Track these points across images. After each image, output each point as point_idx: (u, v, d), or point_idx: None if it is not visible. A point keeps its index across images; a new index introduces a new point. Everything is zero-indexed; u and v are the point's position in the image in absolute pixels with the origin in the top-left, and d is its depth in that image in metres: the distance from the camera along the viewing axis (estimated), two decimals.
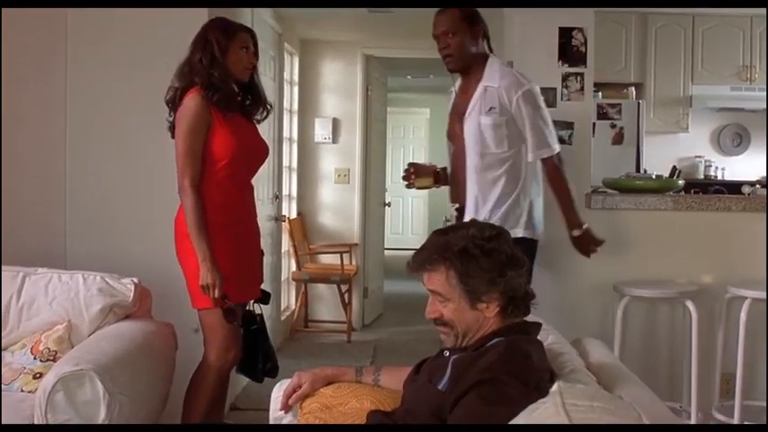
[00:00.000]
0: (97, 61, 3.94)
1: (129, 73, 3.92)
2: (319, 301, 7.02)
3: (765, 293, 3.83)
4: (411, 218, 12.59)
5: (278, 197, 5.76)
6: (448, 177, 3.75)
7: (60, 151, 3.96)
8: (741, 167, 7.02)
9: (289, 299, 6.82)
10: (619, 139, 6.44)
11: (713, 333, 4.20)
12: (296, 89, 6.85)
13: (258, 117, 3.38)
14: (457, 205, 3.56)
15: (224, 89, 3.15)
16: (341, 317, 6.78)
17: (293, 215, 6.79)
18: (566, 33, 4.39)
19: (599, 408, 1.59)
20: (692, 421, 3.90)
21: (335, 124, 7.03)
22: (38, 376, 3.00)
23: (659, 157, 6.70)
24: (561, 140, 4.36)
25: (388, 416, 2.22)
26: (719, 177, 7.04)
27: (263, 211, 4.41)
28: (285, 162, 6.31)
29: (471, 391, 1.95)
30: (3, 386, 3.01)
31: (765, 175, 6.16)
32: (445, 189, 3.85)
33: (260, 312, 3.38)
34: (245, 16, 4.44)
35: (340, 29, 6.66)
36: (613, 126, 6.45)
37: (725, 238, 4.30)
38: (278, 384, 2.59)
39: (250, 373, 3.37)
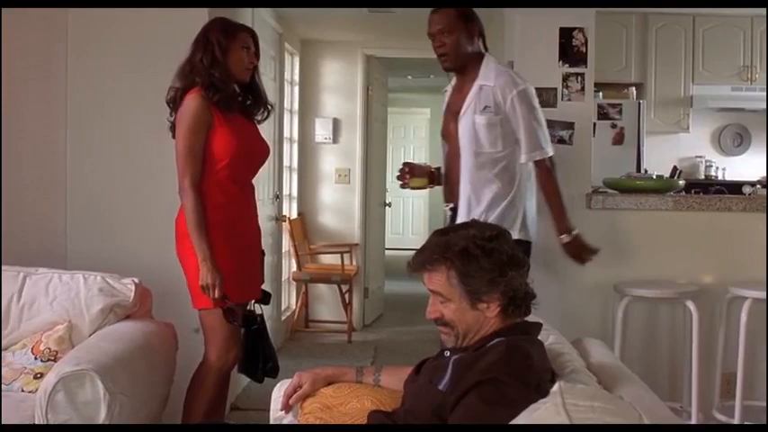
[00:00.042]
0: (98, 61, 3.94)
1: (130, 73, 3.92)
2: (320, 302, 7.02)
3: (766, 294, 3.83)
4: (411, 218, 12.59)
5: (278, 197, 5.76)
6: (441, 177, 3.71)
7: (61, 151, 3.96)
8: (742, 167, 7.02)
9: (289, 299, 6.82)
10: (619, 140, 6.44)
11: (714, 333, 4.20)
12: (296, 89, 6.85)
13: (259, 117, 3.38)
14: (451, 205, 3.53)
15: (224, 89, 3.15)
16: (341, 317, 6.78)
17: (294, 215, 6.79)
18: (566, 33, 4.38)
19: (600, 408, 1.59)
20: (693, 421, 3.90)
21: (336, 124, 7.04)
22: (38, 376, 3.00)
23: (660, 158, 6.70)
24: (562, 140, 4.38)
25: (388, 416, 2.22)
26: (720, 177, 7.04)
27: (264, 211, 4.41)
28: (286, 162, 6.32)
29: (472, 391, 1.95)
30: (3, 386, 3.01)
31: (766, 175, 6.16)
32: None
33: (260, 313, 3.38)
34: (246, 16, 4.45)
35: (340, 29, 6.66)
36: (614, 126, 6.45)
37: (725, 238, 4.30)
38: (278, 384, 2.59)
39: (250, 373, 3.37)
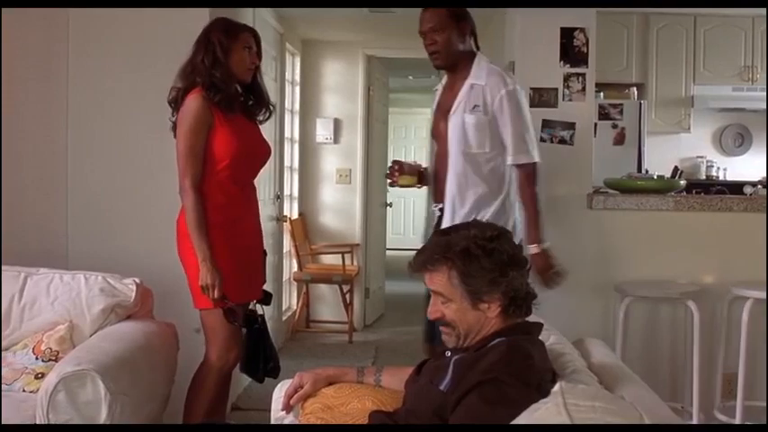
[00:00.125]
0: (99, 61, 3.94)
1: (131, 73, 3.92)
2: (321, 302, 7.02)
3: (766, 294, 3.83)
4: (412, 218, 12.58)
5: (279, 197, 5.76)
6: (429, 177, 3.63)
7: (62, 151, 3.96)
8: (743, 168, 7.02)
9: (290, 299, 6.82)
10: (620, 140, 6.44)
11: (715, 333, 4.20)
12: (297, 89, 6.85)
13: (261, 118, 3.38)
14: (440, 205, 3.46)
15: (225, 90, 3.15)
16: (342, 317, 6.78)
17: (295, 215, 6.79)
18: (567, 33, 4.38)
19: (601, 408, 1.59)
20: (694, 421, 3.90)
21: (337, 124, 7.04)
22: (39, 376, 3.00)
23: (661, 158, 6.69)
24: (563, 141, 4.38)
25: (389, 416, 2.22)
26: (721, 178, 7.04)
27: (265, 211, 4.41)
28: (287, 162, 6.32)
29: (473, 391, 1.95)
30: (5, 386, 3.01)
31: (766, 175, 6.16)
32: None
33: (262, 313, 3.38)
34: (247, 16, 4.45)
35: (341, 29, 6.66)
36: (615, 126, 6.45)
37: (726, 238, 4.30)
38: (279, 385, 2.59)
39: (252, 373, 3.37)
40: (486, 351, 2.06)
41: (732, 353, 4.06)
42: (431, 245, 2.20)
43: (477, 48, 3.49)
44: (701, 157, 7.14)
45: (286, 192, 6.30)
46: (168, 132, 3.23)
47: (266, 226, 4.34)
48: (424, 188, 3.69)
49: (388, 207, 7.95)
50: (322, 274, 6.76)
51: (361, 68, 7.03)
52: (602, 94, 6.40)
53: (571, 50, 4.38)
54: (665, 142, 6.92)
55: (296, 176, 6.84)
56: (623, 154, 6.38)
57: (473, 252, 2.09)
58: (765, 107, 6.44)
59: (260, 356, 3.32)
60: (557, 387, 1.69)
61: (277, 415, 2.53)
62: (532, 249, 3.37)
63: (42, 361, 3.08)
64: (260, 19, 4.88)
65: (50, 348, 3.11)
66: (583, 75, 4.39)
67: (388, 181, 3.68)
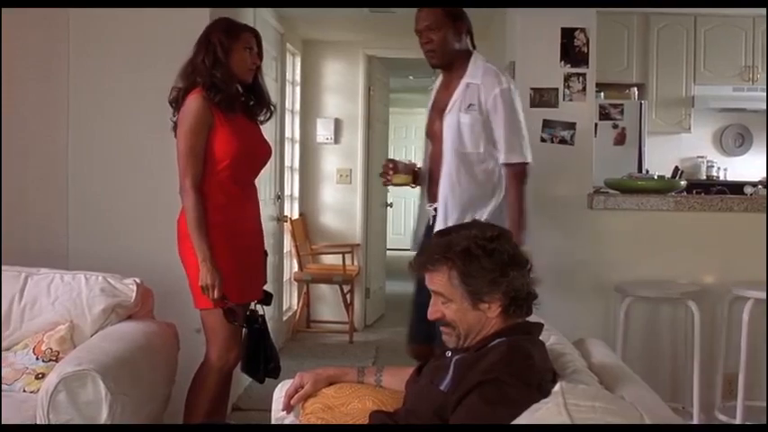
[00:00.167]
0: (99, 61, 3.94)
1: (132, 73, 3.92)
2: (321, 302, 7.02)
3: (766, 294, 3.83)
4: (413, 218, 12.54)
5: (280, 197, 5.76)
6: (422, 177, 3.59)
7: (63, 151, 3.96)
8: (743, 168, 7.01)
9: (291, 299, 6.82)
10: (621, 140, 6.44)
11: (716, 333, 4.20)
12: (298, 89, 6.85)
13: (262, 118, 3.38)
14: (435, 205, 3.43)
15: (226, 90, 3.15)
16: (343, 317, 6.78)
17: (295, 215, 6.79)
18: (568, 34, 4.39)
19: (601, 408, 1.59)
20: (695, 422, 3.90)
21: (337, 125, 7.04)
22: (40, 376, 3.00)
23: (661, 158, 6.69)
24: (563, 141, 4.38)
25: (390, 416, 2.22)
26: (722, 178, 7.04)
27: (265, 211, 4.41)
28: (287, 162, 6.32)
29: (473, 391, 1.95)
30: (5, 386, 3.01)
31: (766, 175, 6.16)
32: None
33: (262, 313, 3.38)
34: (247, 16, 4.45)
35: (342, 29, 6.66)
36: (615, 126, 6.45)
37: (727, 238, 4.30)
38: (280, 385, 2.59)
39: (252, 373, 3.37)
40: (487, 351, 2.06)
41: (733, 353, 4.06)
42: (431, 245, 2.20)
43: (474, 47, 3.46)
44: (702, 157, 7.14)
45: (286, 192, 6.30)
46: (169, 132, 3.23)
47: (267, 226, 4.34)
48: (419, 188, 3.66)
49: (388, 207, 7.95)
50: (322, 274, 6.76)
51: (361, 68, 7.03)
52: (602, 94, 6.40)
53: (571, 50, 4.39)
54: (666, 142, 6.92)
55: (296, 176, 6.84)
56: (624, 154, 6.37)
57: (473, 252, 2.09)
58: (766, 107, 6.44)
59: (260, 357, 3.32)
60: (557, 387, 1.69)
61: (277, 415, 2.53)
62: None
63: (43, 361, 3.08)
64: (260, 19, 4.88)
65: (51, 348, 3.11)
66: (583, 75, 4.39)
67: (382, 180, 3.65)
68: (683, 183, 4.90)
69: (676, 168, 6.59)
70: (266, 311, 3.44)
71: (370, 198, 7.18)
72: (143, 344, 3.13)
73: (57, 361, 3.01)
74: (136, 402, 2.88)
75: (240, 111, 3.25)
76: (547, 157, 4.36)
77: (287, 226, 6.32)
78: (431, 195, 3.47)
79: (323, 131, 7.01)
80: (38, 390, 2.84)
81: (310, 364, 3.72)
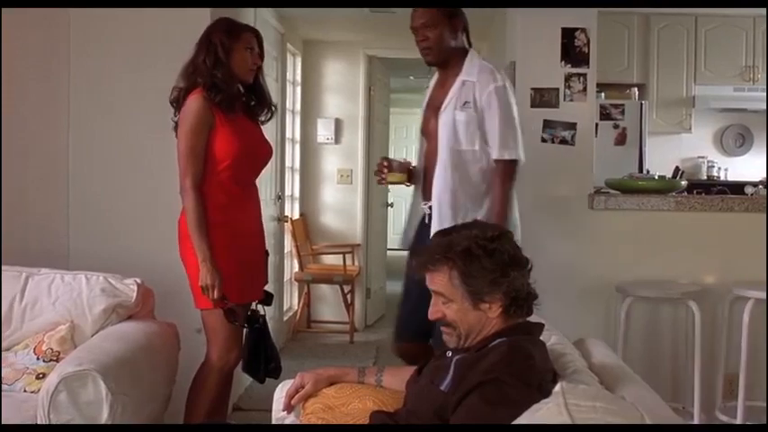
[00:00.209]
0: (100, 61, 3.95)
1: (132, 73, 3.92)
2: (322, 302, 7.02)
3: (766, 294, 3.83)
4: None
5: (280, 198, 5.76)
6: (417, 175, 3.55)
7: (63, 151, 3.96)
8: (744, 168, 7.01)
9: (291, 299, 6.82)
10: (621, 140, 6.44)
11: (716, 333, 4.20)
12: (298, 90, 6.85)
13: (263, 118, 3.38)
14: (430, 203, 3.38)
15: (227, 90, 3.15)
16: (343, 317, 6.78)
17: (296, 216, 6.79)
18: (568, 34, 4.39)
19: (601, 408, 1.59)
20: (695, 422, 3.90)
21: (338, 125, 7.04)
22: (41, 376, 3.00)
23: (662, 158, 6.69)
24: (564, 141, 4.38)
25: (390, 416, 2.22)
26: (722, 178, 7.04)
27: (266, 211, 4.41)
28: (288, 163, 6.32)
29: (474, 391, 1.95)
30: (6, 386, 3.01)
31: (766, 175, 6.16)
32: None
33: (263, 313, 3.38)
34: (248, 16, 4.45)
35: (342, 29, 6.66)
36: (616, 127, 6.45)
37: (728, 238, 4.30)
38: (281, 385, 2.59)
39: (253, 373, 3.37)
40: (487, 351, 2.06)
41: (733, 353, 4.06)
42: (432, 245, 2.20)
43: (470, 44, 3.44)
44: (702, 157, 7.13)
45: (287, 192, 6.30)
46: (169, 132, 3.23)
47: (267, 226, 4.34)
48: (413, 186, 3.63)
49: (389, 207, 7.95)
50: (323, 274, 6.76)
51: (362, 69, 7.03)
52: (603, 94, 6.40)
53: (572, 50, 4.39)
54: (667, 142, 6.92)
55: (297, 177, 6.84)
56: (624, 154, 6.37)
57: (474, 252, 2.09)
58: (766, 107, 6.43)
59: (261, 357, 3.32)
60: (558, 387, 1.68)
61: (278, 415, 2.53)
62: None
63: (43, 361, 3.09)
64: (261, 19, 4.88)
65: (51, 348, 3.11)
66: (584, 75, 4.39)
67: (377, 178, 3.62)
68: (683, 183, 4.90)
69: (677, 168, 6.59)
70: (267, 311, 3.44)
71: (370, 198, 7.18)
72: (144, 344, 3.13)
73: (57, 361, 3.01)
74: (136, 402, 2.88)
75: (241, 111, 3.25)
76: (547, 157, 4.37)
77: (287, 226, 6.33)
78: (425, 193, 3.45)
79: (323, 132, 7.02)
80: (38, 390, 2.84)
81: (311, 365, 3.71)
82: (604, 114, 6.40)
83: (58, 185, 3.96)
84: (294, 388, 2.48)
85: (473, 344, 2.12)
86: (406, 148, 12.49)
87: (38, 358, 3.10)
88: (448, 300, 2.12)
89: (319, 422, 2.37)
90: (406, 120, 12.38)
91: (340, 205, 7.09)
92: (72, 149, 3.96)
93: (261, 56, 3.28)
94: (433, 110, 3.43)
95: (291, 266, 6.68)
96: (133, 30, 3.93)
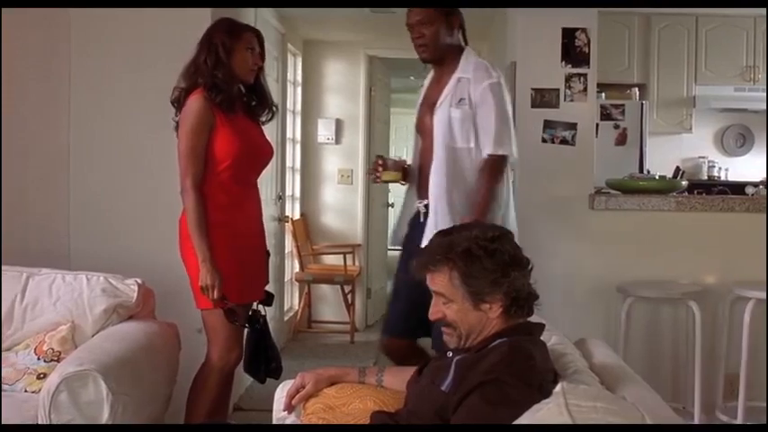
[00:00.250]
0: (100, 61, 3.95)
1: (133, 73, 3.92)
2: (322, 302, 7.02)
3: (766, 294, 3.83)
4: None
5: (281, 198, 5.76)
6: (411, 173, 3.51)
7: (64, 151, 3.96)
8: (744, 168, 7.01)
9: (292, 299, 6.82)
10: (622, 140, 6.44)
11: (717, 334, 4.20)
12: (299, 90, 6.85)
13: (263, 118, 3.38)
14: (425, 202, 3.34)
15: (227, 90, 3.15)
16: (344, 317, 6.78)
17: (296, 216, 6.79)
18: (569, 34, 4.39)
19: (602, 408, 1.59)
20: (696, 422, 3.90)
21: (339, 125, 7.04)
22: (41, 376, 3.00)
23: (662, 158, 6.69)
24: (564, 141, 4.38)
25: (391, 416, 2.22)
26: (723, 178, 7.03)
27: (267, 211, 4.41)
28: (288, 163, 6.32)
29: (474, 391, 1.95)
30: (7, 386, 3.02)
31: (766, 176, 6.16)
32: None
33: (264, 314, 3.38)
34: (249, 16, 4.45)
35: (343, 29, 6.66)
36: (617, 127, 6.44)
37: (728, 238, 4.30)
38: (281, 385, 2.59)
39: (253, 373, 3.37)
40: (488, 352, 2.06)
41: (734, 353, 4.06)
42: (432, 245, 2.20)
43: (466, 42, 3.42)
44: (703, 157, 7.13)
45: (288, 192, 6.30)
46: (170, 132, 3.24)
47: (268, 226, 4.35)
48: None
49: (389, 207, 7.95)
50: (324, 274, 6.76)
51: (362, 69, 7.03)
52: (603, 94, 6.40)
53: (573, 51, 4.39)
54: (667, 142, 6.91)
55: (297, 177, 6.84)
56: (625, 154, 6.37)
57: (475, 253, 2.09)
58: (766, 108, 6.43)
59: (262, 357, 3.33)
60: (558, 387, 1.68)
61: (279, 415, 2.53)
62: None
63: (44, 361, 3.09)
64: (261, 19, 4.88)
65: (52, 349, 3.11)
66: (584, 75, 4.39)
67: (372, 177, 3.59)
68: (684, 183, 4.90)
69: (677, 169, 6.59)
70: (267, 312, 3.44)
71: (371, 198, 7.18)
72: (144, 344, 3.14)
73: (58, 361, 3.01)
74: (137, 402, 2.88)
75: (242, 111, 3.26)
76: (548, 157, 4.37)
77: (288, 226, 6.32)
78: (420, 191, 3.42)
79: (324, 132, 7.01)
80: (39, 390, 2.84)
81: (311, 365, 3.70)
82: (605, 114, 6.39)
83: (59, 185, 3.96)
84: (295, 388, 2.48)
85: (474, 344, 2.12)
86: (406, 148, 12.46)
87: (39, 358, 3.10)
88: (448, 300, 2.12)
89: (320, 422, 2.37)
90: (406, 120, 12.30)
91: (341, 205, 7.09)
92: (72, 149, 3.96)
93: (262, 56, 3.28)
94: (428, 107, 3.40)
95: (292, 267, 6.68)
96: (134, 30, 3.93)
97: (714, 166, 7.10)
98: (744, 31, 6.62)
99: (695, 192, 5.52)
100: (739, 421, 3.90)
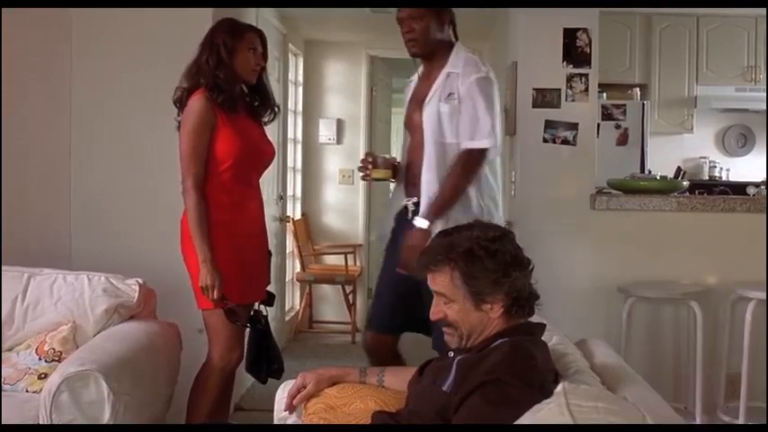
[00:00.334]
0: (101, 61, 3.95)
1: (134, 73, 3.92)
2: (324, 302, 7.02)
3: (766, 294, 3.82)
4: None
5: (282, 198, 5.76)
6: (400, 170, 3.44)
7: (65, 151, 3.96)
8: (746, 168, 7.00)
9: (293, 300, 6.82)
10: (623, 140, 6.44)
11: (718, 334, 4.20)
12: (300, 90, 6.85)
13: (266, 119, 3.38)
14: (414, 199, 3.27)
15: (229, 90, 3.15)
16: (345, 317, 6.78)
17: (297, 216, 6.79)
18: (570, 34, 4.38)
19: (603, 408, 1.59)
20: (697, 422, 3.90)
21: (340, 125, 7.04)
22: (43, 377, 3.00)
23: (664, 158, 6.69)
24: (565, 141, 4.38)
25: (392, 416, 2.22)
26: (724, 178, 7.03)
27: (268, 211, 4.40)
28: (290, 163, 6.32)
29: (475, 392, 1.95)
30: (8, 386, 3.02)
31: (766, 176, 6.16)
32: None
33: (265, 314, 3.38)
34: (250, 17, 4.45)
35: (344, 29, 6.66)
36: (618, 127, 6.44)
37: (730, 238, 4.29)
38: (282, 385, 2.59)
39: (255, 373, 3.37)
40: (489, 352, 2.06)
41: (735, 353, 4.06)
42: (433, 245, 2.20)
43: (456, 38, 3.36)
44: (704, 157, 7.13)
45: (289, 192, 6.30)
46: (170, 132, 3.24)
47: (269, 226, 4.34)
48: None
49: None
50: (325, 274, 6.76)
51: (363, 69, 7.03)
52: (604, 94, 6.39)
53: (574, 51, 4.38)
54: (668, 143, 6.91)
55: (299, 177, 6.84)
56: (626, 154, 6.37)
57: (476, 253, 2.09)
58: (766, 108, 6.42)
59: (263, 357, 3.33)
60: (559, 387, 1.68)
61: (280, 415, 2.53)
62: (420, 223, 3.15)
63: (45, 361, 3.09)
64: (263, 19, 4.88)
65: (53, 349, 3.12)
66: (586, 75, 4.39)
67: (361, 174, 3.53)
68: (685, 183, 4.89)
69: (679, 169, 6.59)
70: (269, 312, 3.44)
71: (372, 198, 7.18)
72: (145, 344, 3.14)
73: (59, 361, 3.01)
74: (138, 402, 2.88)
75: (244, 111, 3.26)
76: (549, 157, 4.37)
77: (289, 226, 6.32)
78: (408, 188, 3.35)
79: (325, 132, 7.02)
80: (40, 390, 2.84)
81: (312, 365, 3.71)
82: (606, 115, 6.39)
83: (60, 185, 3.97)
84: (296, 388, 2.48)
85: (475, 344, 2.12)
86: None
87: (40, 358, 3.10)
88: (449, 300, 2.12)
89: (321, 422, 2.37)
90: None
91: (342, 205, 7.09)
92: (73, 149, 3.97)
93: (265, 56, 3.28)
94: (417, 103, 3.34)
95: (293, 267, 6.68)
96: (135, 30, 3.94)
97: (715, 167, 7.10)
98: (745, 31, 6.61)
99: (696, 192, 5.51)
100: (741, 421, 3.90)
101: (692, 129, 6.84)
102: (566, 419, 1.53)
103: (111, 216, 3.97)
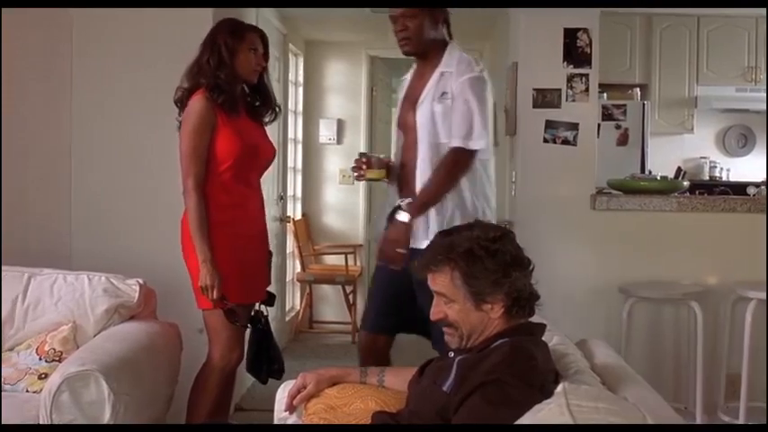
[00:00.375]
0: (102, 61, 3.95)
1: (134, 73, 3.92)
2: (324, 302, 7.03)
3: (766, 294, 3.82)
4: None
5: (283, 198, 5.76)
6: (394, 170, 3.41)
7: (65, 151, 3.96)
8: (746, 168, 7.00)
9: (293, 300, 6.82)
10: (623, 140, 6.44)
11: (718, 334, 4.20)
12: (300, 90, 6.85)
13: (267, 119, 3.38)
14: (408, 200, 3.18)
15: (229, 91, 3.15)
16: (345, 318, 6.78)
17: (298, 216, 6.79)
18: (571, 34, 4.39)
19: (603, 409, 1.59)
20: (698, 422, 3.90)
21: (340, 125, 7.04)
22: (43, 377, 3.00)
23: (664, 158, 6.68)
24: (566, 141, 4.38)
25: (392, 417, 2.22)
26: (724, 178, 7.03)
27: (268, 211, 4.41)
28: (290, 163, 6.32)
29: (476, 392, 1.95)
30: (8, 386, 3.02)
31: (766, 176, 6.15)
32: None
33: (266, 314, 3.38)
34: (250, 17, 4.45)
35: (344, 30, 6.66)
36: (618, 127, 6.44)
37: (730, 239, 4.30)
38: (283, 385, 2.59)
39: (255, 373, 3.37)
40: (490, 352, 2.06)
41: (736, 354, 4.06)
42: (434, 245, 2.20)
43: (450, 37, 3.32)
44: (705, 157, 7.12)
45: (289, 192, 6.30)
46: (171, 132, 3.24)
47: (270, 226, 4.35)
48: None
49: None
50: (325, 274, 6.76)
51: (364, 69, 7.03)
52: (605, 94, 6.39)
53: (574, 51, 4.39)
54: (669, 143, 6.91)
55: (299, 177, 6.84)
56: (626, 155, 6.37)
57: (476, 253, 2.09)
58: (766, 108, 6.42)
59: (264, 357, 3.33)
60: (560, 388, 1.68)
61: (280, 415, 2.53)
62: (402, 217, 3.13)
63: (46, 361, 3.09)
64: (263, 19, 4.88)
65: (54, 349, 3.12)
66: (586, 75, 4.39)
67: (355, 175, 3.52)
68: (685, 183, 4.89)
69: (679, 169, 6.59)
70: (269, 312, 3.44)
71: (372, 198, 7.18)
72: (146, 344, 3.14)
73: (60, 361, 3.01)
74: (138, 402, 2.88)
75: (244, 111, 3.26)
76: (549, 157, 4.38)
77: (290, 226, 6.32)
78: (402, 189, 3.33)
79: (325, 132, 7.02)
80: (41, 390, 2.84)
81: (313, 365, 3.71)
82: (606, 115, 6.39)
83: (60, 185, 3.97)
84: (296, 388, 2.48)
85: (475, 344, 2.12)
86: None
87: (40, 358, 3.10)
88: (450, 300, 2.12)
89: (321, 422, 2.37)
90: None
91: (342, 205, 7.09)
92: (74, 149, 3.97)
93: (266, 57, 3.28)
94: (410, 102, 3.30)
95: (293, 267, 6.68)
96: (135, 30, 3.94)
97: (716, 167, 7.10)
98: (745, 31, 6.61)
99: (697, 192, 5.51)
100: (741, 421, 3.90)
101: (692, 129, 6.83)
102: (566, 420, 1.53)
103: (111, 216, 3.97)
